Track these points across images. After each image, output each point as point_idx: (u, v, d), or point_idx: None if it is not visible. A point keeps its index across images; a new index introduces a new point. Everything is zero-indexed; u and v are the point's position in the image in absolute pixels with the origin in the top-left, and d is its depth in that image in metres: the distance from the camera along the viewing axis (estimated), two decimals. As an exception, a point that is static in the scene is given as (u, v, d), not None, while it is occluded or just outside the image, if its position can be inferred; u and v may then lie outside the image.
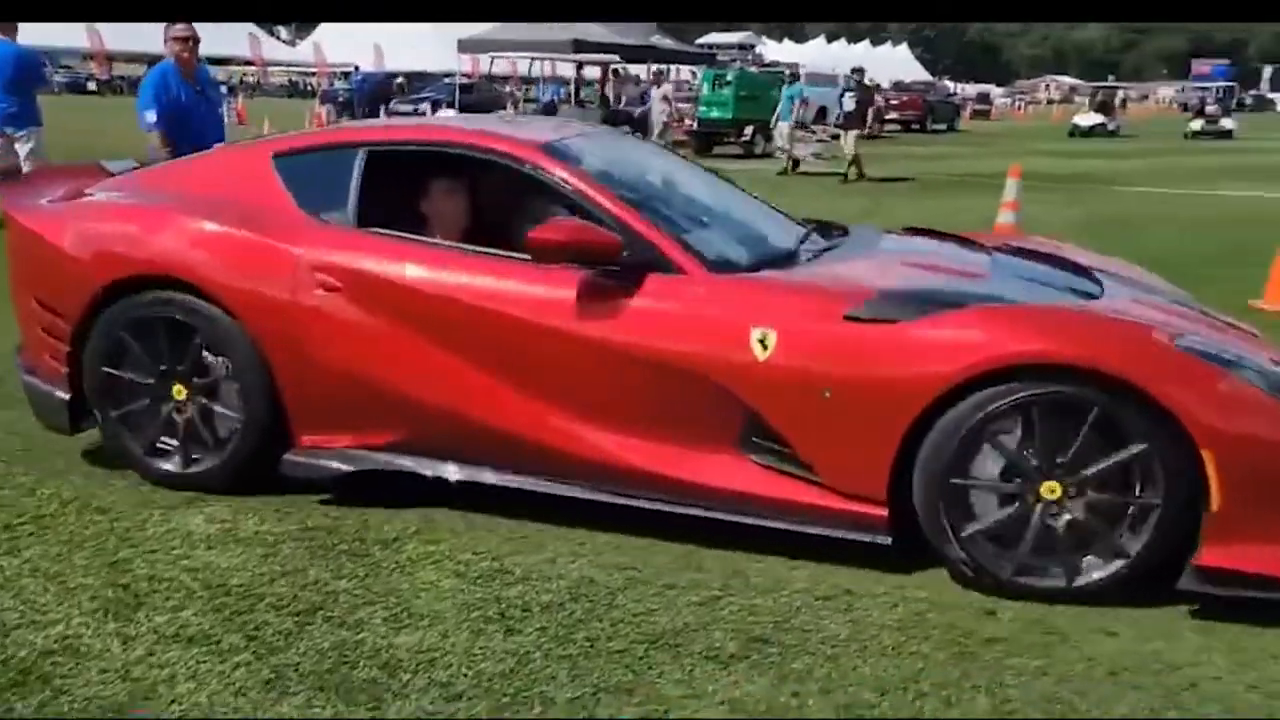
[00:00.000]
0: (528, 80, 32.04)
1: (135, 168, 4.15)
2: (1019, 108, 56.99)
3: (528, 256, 3.17)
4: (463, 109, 21.58)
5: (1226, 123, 31.08)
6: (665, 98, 19.30)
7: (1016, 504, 2.90)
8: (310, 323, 3.29)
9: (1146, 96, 64.36)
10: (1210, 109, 33.64)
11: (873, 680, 2.49)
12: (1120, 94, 41.58)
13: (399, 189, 3.54)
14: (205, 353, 3.42)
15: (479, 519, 3.32)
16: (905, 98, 33.82)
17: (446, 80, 28.32)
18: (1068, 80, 41.11)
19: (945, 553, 2.95)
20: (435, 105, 23.79)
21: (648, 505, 3.15)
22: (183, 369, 3.44)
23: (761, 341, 2.97)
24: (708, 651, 2.59)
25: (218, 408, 3.45)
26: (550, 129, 3.92)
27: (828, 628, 2.72)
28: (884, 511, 2.96)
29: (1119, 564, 2.84)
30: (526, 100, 28.14)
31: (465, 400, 3.24)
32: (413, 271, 3.26)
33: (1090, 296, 3.34)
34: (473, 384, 3.23)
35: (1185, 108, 44.31)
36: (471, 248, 3.37)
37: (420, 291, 3.24)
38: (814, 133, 20.24)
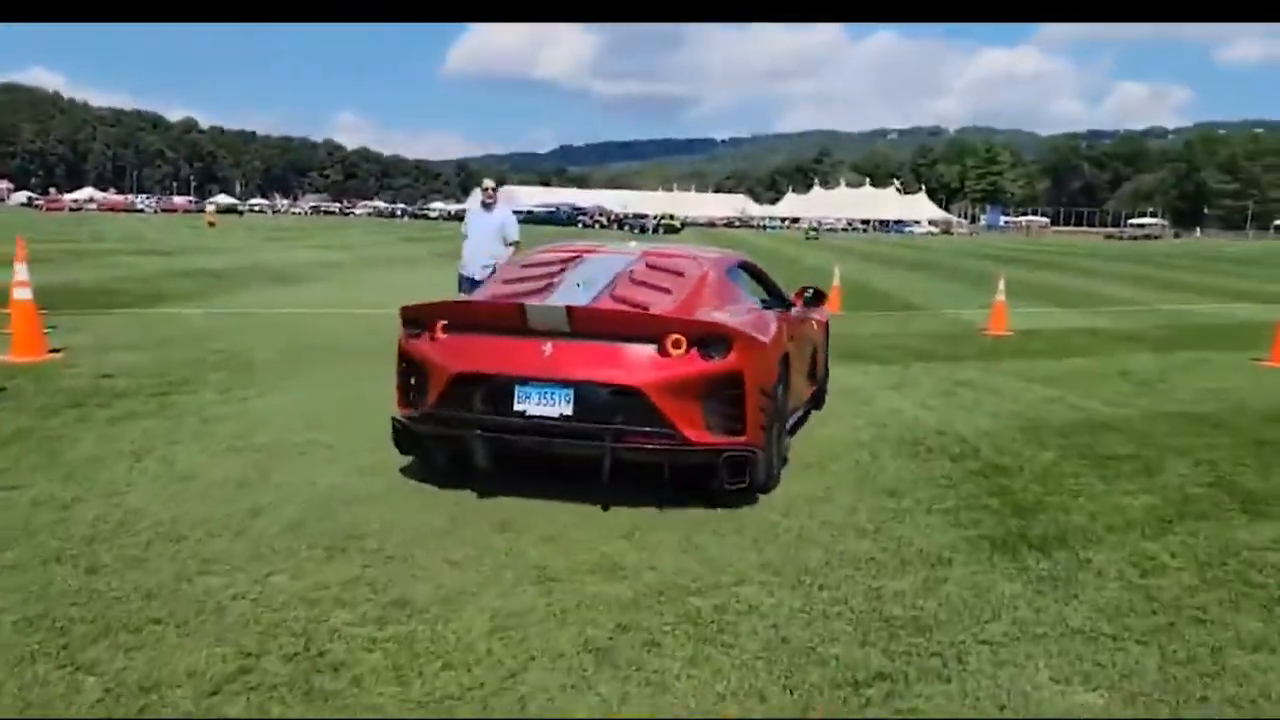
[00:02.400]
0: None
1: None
2: None
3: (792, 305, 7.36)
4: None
5: None
6: None
7: None
8: (780, 356, 6.13)
9: None
10: None
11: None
12: None
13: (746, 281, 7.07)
14: None
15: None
16: None
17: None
18: None
19: None
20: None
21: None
22: None
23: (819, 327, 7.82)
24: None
25: None
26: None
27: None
28: None
29: None
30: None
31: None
32: (797, 315, 7.25)
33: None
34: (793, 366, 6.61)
35: None
36: (780, 305, 7.17)
37: (793, 320, 7.04)
38: None
